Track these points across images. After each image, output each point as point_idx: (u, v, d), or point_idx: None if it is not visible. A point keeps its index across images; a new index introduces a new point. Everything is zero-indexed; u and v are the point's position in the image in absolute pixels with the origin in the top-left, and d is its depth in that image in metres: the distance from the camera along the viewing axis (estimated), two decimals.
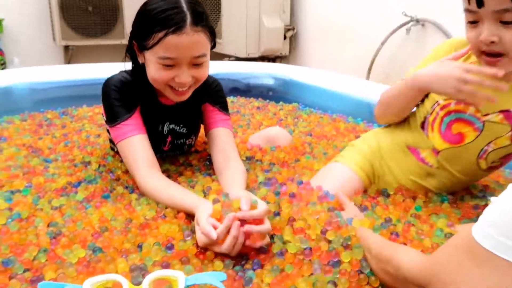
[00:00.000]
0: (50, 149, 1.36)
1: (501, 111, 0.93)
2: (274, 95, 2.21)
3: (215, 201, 0.89)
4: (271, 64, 2.81)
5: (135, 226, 0.90)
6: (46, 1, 3.94)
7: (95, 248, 0.82)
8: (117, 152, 1.18)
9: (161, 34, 1.00)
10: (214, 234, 0.80)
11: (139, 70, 1.12)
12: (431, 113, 1.02)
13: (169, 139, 1.24)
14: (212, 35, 1.08)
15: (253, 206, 0.86)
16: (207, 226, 0.81)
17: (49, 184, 1.10)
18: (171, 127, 1.23)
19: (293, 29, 3.49)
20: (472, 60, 0.96)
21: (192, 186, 1.10)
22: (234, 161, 1.13)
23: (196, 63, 1.05)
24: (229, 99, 2.08)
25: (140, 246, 0.84)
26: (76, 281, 0.73)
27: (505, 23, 0.80)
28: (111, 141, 1.28)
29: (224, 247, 0.81)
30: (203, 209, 0.87)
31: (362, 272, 0.78)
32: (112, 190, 1.09)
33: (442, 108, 0.99)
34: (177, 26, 1.00)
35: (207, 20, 1.06)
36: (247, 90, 2.25)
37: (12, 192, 1.04)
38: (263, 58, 3.45)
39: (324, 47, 3.36)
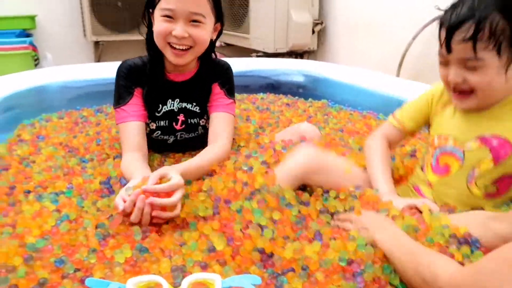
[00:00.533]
0: (86, 148, 1.39)
1: (477, 137, 0.98)
2: (304, 92, 2.21)
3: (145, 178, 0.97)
4: (300, 60, 2.79)
5: (178, 227, 0.93)
6: None
7: (142, 249, 0.85)
8: None
9: None
10: (120, 207, 0.92)
11: (151, 43, 1.21)
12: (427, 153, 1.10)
13: (181, 117, 1.29)
14: (218, 11, 1.20)
15: (163, 181, 0.95)
16: (117, 199, 0.94)
17: (88, 185, 1.13)
18: (183, 106, 1.29)
19: (322, 23, 3.45)
20: (446, 96, 1.06)
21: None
22: (217, 141, 1.23)
23: (193, 20, 1.14)
24: (258, 96, 2.09)
25: (181, 245, 0.86)
26: (122, 280, 0.75)
27: (469, 68, 0.91)
28: None
29: (132, 218, 0.91)
30: (130, 182, 0.98)
31: (392, 285, 0.78)
32: None
33: (432, 145, 1.07)
34: None
35: None
36: (277, 87, 2.25)
37: (57, 194, 1.08)
38: (291, 53, 3.43)
39: (353, 41, 3.32)
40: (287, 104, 1.95)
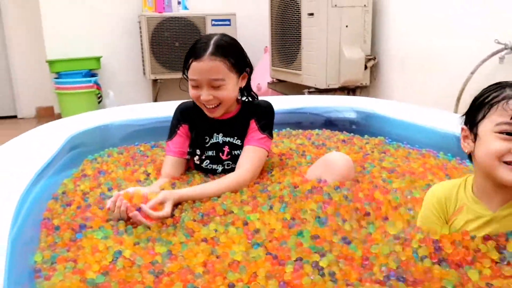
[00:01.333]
0: (140, 182, 1.44)
1: None
2: (357, 129, 2.17)
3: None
4: (352, 97, 2.77)
5: (231, 266, 0.92)
6: (138, 39, 4.29)
7: None
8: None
9: (189, 61, 1.34)
10: (107, 205, 1.16)
11: None
12: None
13: (226, 149, 1.47)
14: (236, 65, 1.35)
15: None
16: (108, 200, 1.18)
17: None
18: (226, 139, 1.47)
19: (374, 58, 3.43)
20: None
21: None
22: (238, 170, 1.37)
23: (214, 85, 1.33)
24: (314, 132, 2.08)
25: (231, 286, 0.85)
26: None
27: None
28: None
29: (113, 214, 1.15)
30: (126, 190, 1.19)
31: None
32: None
33: None
34: (198, 54, 1.31)
35: (229, 54, 1.33)
36: (328, 124, 2.23)
37: (111, 230, 1.11)
38: (343, 89, 3.42)
39: (407, 77, 3.25)
40: (343, 141, 1.92)
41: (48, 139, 1.76)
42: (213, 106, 1.38)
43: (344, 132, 2.07)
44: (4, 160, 1.53)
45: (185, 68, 1.38)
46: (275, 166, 1.54)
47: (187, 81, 1.41)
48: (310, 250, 0.95)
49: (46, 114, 4.56)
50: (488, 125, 0.86)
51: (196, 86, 1.35)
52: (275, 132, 2.12)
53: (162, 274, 0.91)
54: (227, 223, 1.12)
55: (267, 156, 1.51)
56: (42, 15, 4.08)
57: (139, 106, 2.38)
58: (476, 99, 0.91)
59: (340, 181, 1.28)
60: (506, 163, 0.83)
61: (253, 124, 1.45)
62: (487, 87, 0.91)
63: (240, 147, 1.46)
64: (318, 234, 1.02)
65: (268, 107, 1.48)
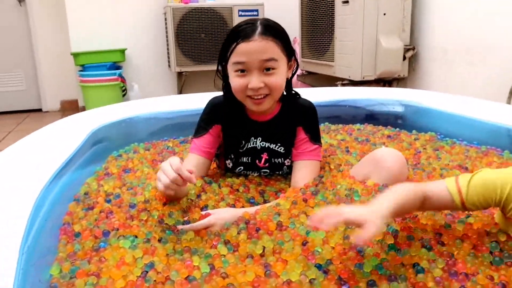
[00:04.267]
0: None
1: None
2: (403, 123, 1.97)
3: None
4: (395, 89, 2.56)
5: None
6: (163, 31, 4.18)
7: None
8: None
9: (234, 44, 1.13)
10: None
11: (229, 90, 1.22)
12: None
13: (264, 155, 1.28)
14: (288, 50, 1.17)
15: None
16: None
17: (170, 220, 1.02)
18: (266, 145, 1.27)
19: (413, 49, 3.21)
20: None
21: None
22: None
23: (266, 67, 1.13)
24: (355, 126, 1.90)
25: None
26: None
27: None
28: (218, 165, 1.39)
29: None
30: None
31: None
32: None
33: None
34: (246, 35, 1.12)
35: (280, 35, 1.15)
36: (369, 118, 2.04)
37: (139, 238, 0.96)
38: (378, 81, 3.21)
39: (449, 68, 3.02)
40: (389, 136, 1.74)
41: (70, 133, 1.64)
42: (262, 96, 1.16)
43: (388, 127, 1.88)
44: (22, 155, 1.41)
45: (225, 55, 1.18)
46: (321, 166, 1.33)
47: (221, 75, 1.25)
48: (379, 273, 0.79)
49: (70, 107, 4.51)
50: None
51: (243, 73, 1.14)
52: None
53: None
54: (280, 240, 0.94)
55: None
56: (67, 7, 4.01)
57: (167, 98, 2.25)
58: None
59: (391, 182, 1.09)
60: None
61: (301, 134, 1.25)
62: None
63: (283, 155, 1.27)
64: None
65: (312, 109, 1.28)
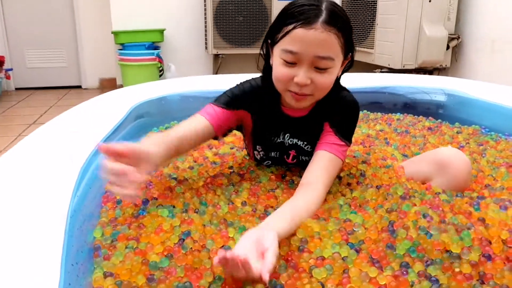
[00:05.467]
0: (207, 159, 1.31)
1: None
2: (445, 114, 1.90)
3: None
4: (440, 77, 2.46)
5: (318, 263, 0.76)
6: (202, 13, 4.19)
7: (275, 285, 0.71)
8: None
9: (290, 27, 0.96)
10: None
11: (268, 73, 1.07)
12: None
13: (292, 153, 1.17)
14: (348, 45, 1.01)
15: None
16: None
17: (209, 196, 1.03)
18: (293, 142, 1.15)
19: (458, 38, 3.09)
20: None
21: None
22: (311, 188, 0.97)
23: (318, 66, 0.97)
24: (394, 116, 1.86)
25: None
26: None
27: None
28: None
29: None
30: None
31: None
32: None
33: None
34: (307, 20, 0.94)
35: (345, 27, 0.98)
36: (412, 107, 1.98)
37: (174, 207, 0.99)
38: (419, 70, 3.12)
39: (496, 60, 2.90)
40: (429, 128, 1.68)
41: (113, 107, 1.68)
42: (306, 94, 1.00)
43: (429, 118, 1.82)
44: (69, 125, 1.46)
45: (275, 34, 1.01)
46: (360, 158, 1.27)
47: (264, 57, 1.09)
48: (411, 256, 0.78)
49: (108, 85, 4.62)
50: None
51: (292, 63, 0.98)
52: None
53: None
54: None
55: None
56: None
57: (204, 78, 2.26)
58: None
59: (454, 188, 1.03)
60: None
61: (327, 128, 1.09)
62: None
63: (310, 154, 1.12)
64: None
65: (350, 107, 1.10)
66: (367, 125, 1.71)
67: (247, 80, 1.15)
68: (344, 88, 1.13)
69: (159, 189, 1.07)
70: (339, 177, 1.13)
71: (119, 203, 1.01)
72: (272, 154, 1.19)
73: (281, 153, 1.18)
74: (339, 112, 1.09)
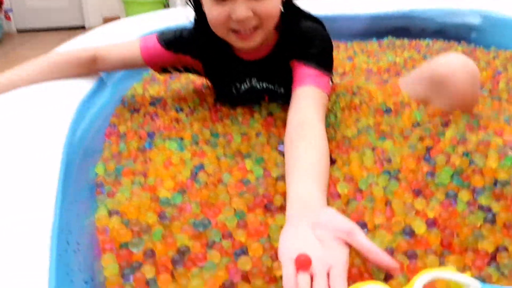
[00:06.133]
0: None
1: None
2: (479, 38, 1.72)
3: None
4: None
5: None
6: None
7: None
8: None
9: None
10: None
11: (204, 23, 0.90)
12: None
13: (266, 97, 1.03)
14: None
15: None
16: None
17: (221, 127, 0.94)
18: (263, 85, 1.01)
19: None
20: None
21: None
22: (309, 129, 0.75)
23: None
24: (423, 42, 1.68)
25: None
26: None
27: None
28: None
29: None
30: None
31: None
32: None
33: None
34: None
35: None
36: (439, 32, 1.80)
37: (183, 139, 0.90)
38: None
39: None
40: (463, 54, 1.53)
41: (118, 38, 1.54)
42: (251, 29, 0.85)
43: (462, 42, 1.65)
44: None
45: None
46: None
47: (191, 2, 0.94)
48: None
49: None
50: None
51: (223, 0, 0.82)
52: (374, 42, 1.76)
53: (257, 196, 0.68)
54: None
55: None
56: None
57: None
58: None
59: (458, 106, 0.88)
60: None
61: (295, 64, 0.91)
62: None
63: (284, 96, 0.98)
64: None
65: (316, 36, 0.92)
66: (394, 52, 1.56)
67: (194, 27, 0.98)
68: (307, 16, 0.96)
69: (165, 120, 0.98)
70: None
71: (123, 137, 0.92)
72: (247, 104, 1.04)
73: (255, 100, 1.03)
74: (303, 44, 0.91)
